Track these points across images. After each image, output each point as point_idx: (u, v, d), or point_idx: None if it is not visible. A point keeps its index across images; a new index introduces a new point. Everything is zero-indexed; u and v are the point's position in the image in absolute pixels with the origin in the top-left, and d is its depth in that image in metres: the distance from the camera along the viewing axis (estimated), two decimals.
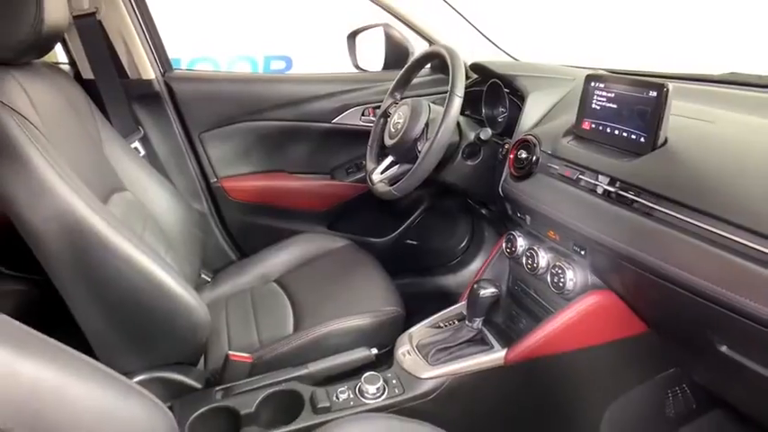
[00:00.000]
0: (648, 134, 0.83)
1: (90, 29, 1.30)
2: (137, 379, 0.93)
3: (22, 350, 0.48)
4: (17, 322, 0.52)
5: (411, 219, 1.70)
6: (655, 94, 0.82)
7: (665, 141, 0.83)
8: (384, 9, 1.46)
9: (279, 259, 1.40)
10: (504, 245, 1.12)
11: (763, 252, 0.63)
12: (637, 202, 0.80)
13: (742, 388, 0.85)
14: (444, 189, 1.45)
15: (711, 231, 0.69)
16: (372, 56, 1.64)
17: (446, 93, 1.07)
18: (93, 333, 0.92)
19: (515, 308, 1.12)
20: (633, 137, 0.86)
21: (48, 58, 1.03)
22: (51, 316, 0.91)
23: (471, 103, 1.39)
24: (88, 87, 1.22)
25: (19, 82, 0.88)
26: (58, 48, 1.36)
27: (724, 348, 0.73)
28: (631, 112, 0.86)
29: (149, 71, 1.44)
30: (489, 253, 1.23)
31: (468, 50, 1.44)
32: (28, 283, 1.37)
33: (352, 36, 1.62)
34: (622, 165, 0.86)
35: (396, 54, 1.56)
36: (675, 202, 0.75)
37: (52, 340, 0.53)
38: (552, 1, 3.06)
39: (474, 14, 1.53)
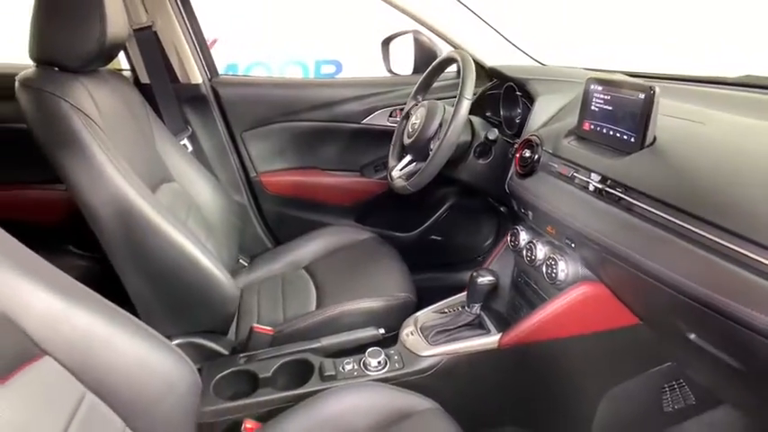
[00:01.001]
0: (637, 134, 0.87)
1: (147, 40, 1.47)
2: (174, 342, 1.07)
3: (80, 303, 0.61)
4: (78, 282, 0.65)
5: (437, 215, 1.77)
6: (643, 96, 0.86)
7: (654, 141, 0.86)
8: (413, 19, 1.53)
9: (309, 248, 1.52)
10: (508, 238, 1.18)
11: (737, 251, 0.65)
12: (623, 199, 0.84)
13: (728, 384, 0.87)
14: (469, 187, 1.50)
15: (688, 228, 0.71)
16: (407, 60, 1.72)
17: None
18: (140, 301, 1.08)
19: (518, 298, 1.18)
20: (625, 137, 0.90)
21: (112, 65, 1.20)
22: (109, 288, 1.07)
23: (491, 105, 1.46)
24: (145, 91, 1.38)
25: (86, 87, 1.04)
26: (122, 56, 1.54)
27: (693, 336, 0.77)
28: (624, 114, 0.90)
29: (198, 76, 1.60)
30: None
31: (497, 55, 1.50)
32: (91, 260, 1.58)
33: (386, 42, 1.70)
34: (613, 163, 0.90)
35: (424, 58, 1.62)
36: (655, 199, 0.78)
37: (106, 300, 0.67)
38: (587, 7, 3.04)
39: (511, 19, 1.57)
